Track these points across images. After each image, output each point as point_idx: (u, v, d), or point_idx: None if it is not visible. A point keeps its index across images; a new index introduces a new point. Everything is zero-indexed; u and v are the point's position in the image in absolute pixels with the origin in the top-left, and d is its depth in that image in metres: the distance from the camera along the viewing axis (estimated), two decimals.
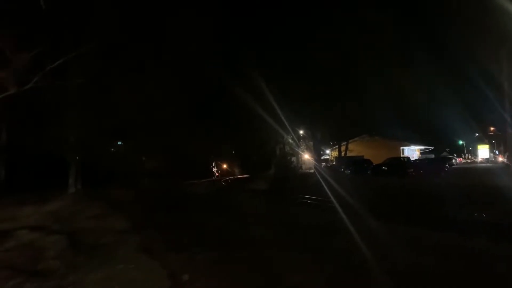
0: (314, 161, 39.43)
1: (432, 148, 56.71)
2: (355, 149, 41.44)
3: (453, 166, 41.66)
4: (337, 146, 41.55)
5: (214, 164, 58.03)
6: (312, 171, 37.35)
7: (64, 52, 11.98)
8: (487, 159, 49.70)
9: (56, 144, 20.71)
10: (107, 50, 16.58)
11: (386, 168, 30.44)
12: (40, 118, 18.42)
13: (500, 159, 46.25)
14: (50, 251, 7.67)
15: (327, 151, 49.77)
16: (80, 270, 6.49)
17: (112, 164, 27.16)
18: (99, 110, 19.21)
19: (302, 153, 45.22)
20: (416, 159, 41.51)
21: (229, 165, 59.11)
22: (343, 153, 39.57)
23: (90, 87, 16.84)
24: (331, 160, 48.34)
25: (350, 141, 39.88)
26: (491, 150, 53.31)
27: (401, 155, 42.81)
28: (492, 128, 48.18)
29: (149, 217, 12.57)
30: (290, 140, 39.36)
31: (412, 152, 51.66)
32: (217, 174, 57.16)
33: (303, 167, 46.45)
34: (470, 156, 69.15)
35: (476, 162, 51.98)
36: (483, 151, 51.54)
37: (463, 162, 58.54)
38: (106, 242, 8.77)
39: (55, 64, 11.62)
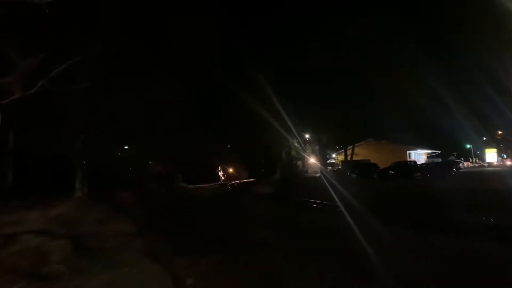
0: (320, 165, 39.27)
1: (439, 152, 56.15)
2: (361, 153, 41.23)
3: (461, 170, 41.29)
4: (343, 150, 41.38)
5: (220, 168, 58.06)
6: (318, 175, 37.20)
7: (70, 56, 12.04)
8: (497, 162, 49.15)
9: (63, 148, 20.86)
10: (113, 55, 16.68)
11: (392, 172, 30.25)
12: (47, 122, 18.53)
13: (508, 162, 45.72)
14: (55, 255, 7.67)
15: (333, 155, 49.54)
16: (85, 274, 6.50)
17: (118, 168, 27.34)
18: (106, 115, 19.31)
19: (308, 157, 45.11)
20: (423, 163, 41.22)
21: (235, 169, 59.13)
22: (349, 157, 39.37)
23: (96, 91, 16.91)
24: (337, 164, 48.11)
25: (356, 145, 39.69)
26: (499, 153, 52.71)
27: (408, 159, 42.49)
28: (499, 132, 47.65)
29: (154, 221, 12.59)
30: (296, 144, 39.30)
31: (419, 156, 51.22)
32: (223, 178, 57.16)
33: (309, 171, 46.30)
34: (477, 160, 68.44)
35: (484, 166, 51.41)
36: (490, 155, 50.96)
37: (471, 166, 57.93)
38: (111, 246, 8.80)
39: (59, 68, 11.66)
